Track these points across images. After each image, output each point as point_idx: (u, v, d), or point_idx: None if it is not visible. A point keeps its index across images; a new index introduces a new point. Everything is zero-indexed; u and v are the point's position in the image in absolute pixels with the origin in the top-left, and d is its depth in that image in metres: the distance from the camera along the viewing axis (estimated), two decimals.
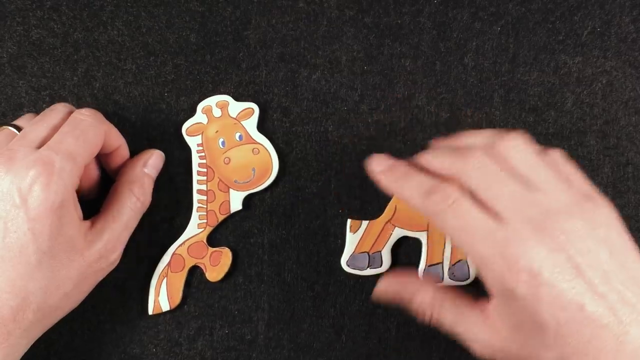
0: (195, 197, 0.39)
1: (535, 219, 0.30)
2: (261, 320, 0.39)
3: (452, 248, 0.38)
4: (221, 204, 0.39)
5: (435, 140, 0.36)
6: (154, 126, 0.40)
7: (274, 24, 0.41)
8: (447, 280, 0.38)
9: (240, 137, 0.39)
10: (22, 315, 0.31)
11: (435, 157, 0.33)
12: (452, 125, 0.40)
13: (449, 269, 0.38)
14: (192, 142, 0.39)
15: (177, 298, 0.38)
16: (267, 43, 0.40)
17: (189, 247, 0.39)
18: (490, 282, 0.31)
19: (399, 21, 0.41)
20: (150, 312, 0.38)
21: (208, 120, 0.39)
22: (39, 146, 0.33)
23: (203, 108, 0.39)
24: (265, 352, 0.39)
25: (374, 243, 0.38)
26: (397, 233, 0.38)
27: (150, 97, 0.40)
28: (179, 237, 0.39)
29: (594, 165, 0.40)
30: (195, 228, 0.39)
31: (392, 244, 0.38)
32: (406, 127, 0.40)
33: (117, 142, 0.37)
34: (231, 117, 0.39)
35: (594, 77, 0.40)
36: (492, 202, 0.31)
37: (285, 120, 0.40)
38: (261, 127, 0.40)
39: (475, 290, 0.39)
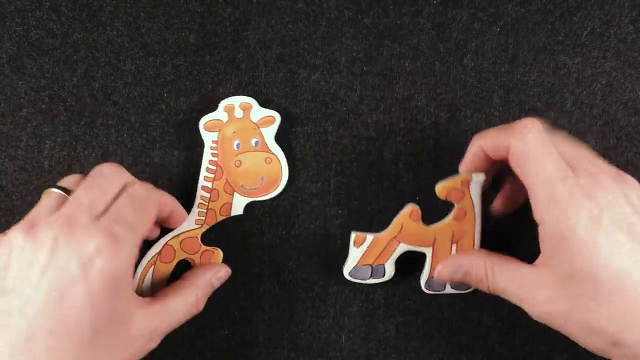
0: (199, 192, 0.39)
1: (600, 175, 0.31)
2: (261, 320, 0.39)
3: None
4: (223, 205, 0.39)
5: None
6: (154, 127, 0.40)
7: (273, 25, 0.41)
8: (449, 289, 0.38)
9: (256, 143, 0.39)
10: None
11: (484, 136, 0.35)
12: (451, 126, 0.40)
13: None
14: (208, 137, 0.39)
15: (161, 288, 0.37)
16: (267, 43, 0.40)
17: (182, 240, 0.38)
18: (548, 225, 0.31)
19: (399, 22, 0.41)
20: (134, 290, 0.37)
21: (228, 119, 0.39)
22: (98, 215, 0.31)
23: (225, 106, 0.39)
24: (265, 352, 0.39)
25: (378, 257, 0.38)
26: (402, 248, 0.38)
27: (150, 97, 0.40)
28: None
29: None
30: (192, 223, 0.39)
31: (396, 257, 0.38)
32: (406, 127, 0.40)
33: (170, 207, 0.36)
34: (252, 121, 0.39)
35: (593, 77, 0.40)
36: (564, 152, 0.32)
37: (285, 121, 0.40)
38: (278, 138, 0.39)
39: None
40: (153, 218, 0.34)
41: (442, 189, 0.37)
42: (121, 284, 0.30)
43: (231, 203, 0.39)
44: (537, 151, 0.31)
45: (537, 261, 0.32)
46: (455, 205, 0.37)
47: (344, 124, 0.40)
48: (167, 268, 0.38)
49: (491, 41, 0.40)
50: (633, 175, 0.40)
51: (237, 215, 0.39)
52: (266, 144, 0.39)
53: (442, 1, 0.41)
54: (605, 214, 0.30)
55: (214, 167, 0.39)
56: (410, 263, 0.39)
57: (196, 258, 0.38)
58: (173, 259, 0.38)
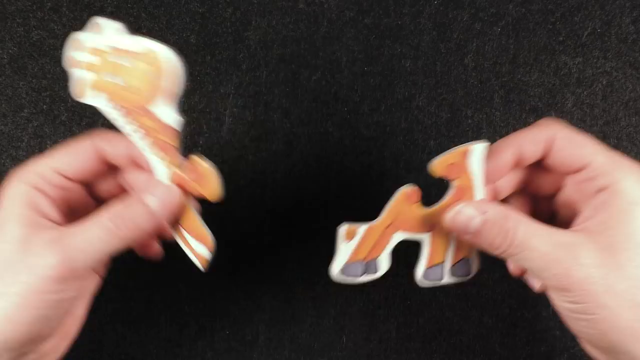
0: (135, 138, 0.32)
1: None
2: (262, 320, 0.39)
3: (455, 247, 0.34)
4: (162, 128, 0.32)
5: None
6: None
7: (274, 25, 0.41)
8: (447, 279, 0.35)
9: (124, 59, 0.33)
10: None
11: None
12: (452, 126, 0.40)
13: (450, 267, 0.35)
14: (93, 101, 0.32)
15: (208, 238, 0.33)
16: (268, 44, 0.40)
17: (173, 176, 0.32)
18: (615, 187, 0.29)
19: (399, 22, 0.41)
20: (202, 269, 0.33)
21: (87, 70, 0.32)
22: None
23: (71, 62, 0.32)
24: (265, 352, 0.39)
25: (371, 250, 0.34)
26: (398, 237, 0.34)
27: None
28: None
29: None
30: (160, 167, 0.32)
31: (391, 249, 0.34)
32: (406, 127, 0.40)
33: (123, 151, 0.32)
34: (102, 50, 0.33)
35: (594, 77, 0.40)
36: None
37: (286, 121, 0.40)
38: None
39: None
40: (76, 155, 0.32)
41: (439, 165, 0.33)
42: (13, 205, 0.30)
43: (162, 120, 0.32)
44: (579, 132, 0.31)
45: (579, 227, 0.30)
46: (454, 184, 0.33)
47: (345, 124, 0.40)
48: (190, 219, 0.33)
49: (492, 41, 0.40)
50: None
51: (239, 215, 0.39)
52: (132, 51, 0.33)
53: (442, 1, 0.41)
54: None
55: (123, 110, 0.32)
56: (405, 260, 0.38)
57: (195, 186, 0.32)
58: (185, 208, 0.33)
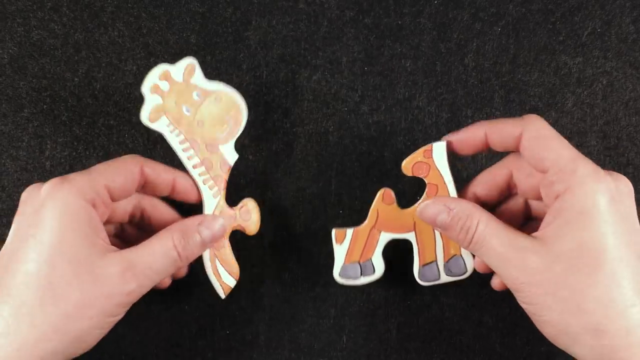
0: (194, 173, 0.37)
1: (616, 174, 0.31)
2: (262, 320, 0.39)
3: (443, 244, 0.37)
4: (220, 165, 0.37)
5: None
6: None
7: (274, 25, 0.41)
8: (444, 277, 0.37)
9: (197, 94, 0.37)
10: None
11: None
12: (452, 126, 0.40)
13: (444, 265, 0.37)
14: (160, 126, 0.37)
15: (236, 268, 0.37)
16: (268, 44, 0.41)
17: None
18: (569, 195, 0.30)
19: (400, 22, 0.41)
20: (223, 296, 0.37)
21: (162, 97, 0.37)
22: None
23: (150, 88, 0.37)
24: (265, 352, 0.39)
25: (363, 251, 0.37)
26: (385, 237, 0.37)
27: None
28: None
29: None
30: (212, 199, 0.37)
31: (381, 249, 0.37)
32: (407, 127, 0.40)
33: (164, 176, 0.35)
34: (179, 82, 0.37)
35: (594, 77, 0.40)
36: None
37: (286, 121, 0.40)
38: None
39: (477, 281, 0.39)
40: (125, 175, 0.33)
41: (406, 165, 0.36)
42: (74, 221, 0.30)
43: (223, 156, 0.37)
44: (554, 134, 0.32)
45: (537, 233, 0.31)
46: (426, 181, 0.36)
47: (345, 124, 0.40)
48: (226, 251, 0.37)
49: (492, 41, 0.40)
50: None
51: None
52: (205, 89, 0.37)
53: (443, 1, 0.41)
54: (624, 197, 0.30)
55: (187, 144, 0.37)
56: (402, 262, 0.38)
57: (240, 222, 0.37)
58: (224, 244, 0.37)
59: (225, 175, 0.37)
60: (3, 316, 0.29)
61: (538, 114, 0.40)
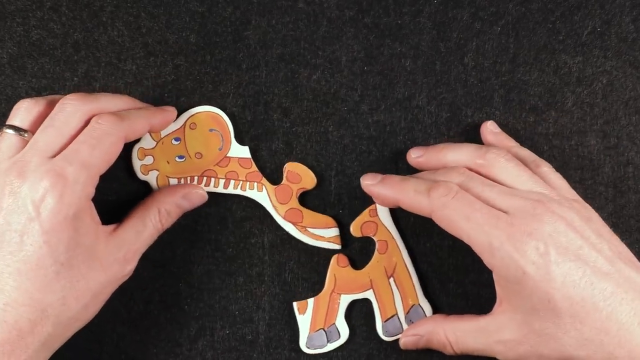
0: (230, 190, 0.39)
1: (533, 207, 0.31)
2: (262, 320, 0.39)
3: (401, 296, 0.38)
4: (241, 165, 0.39)
5: (412, 150, 0.38)
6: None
7: (274, 24, 0.41)
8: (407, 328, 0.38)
9: (176, 139, 0.39)
10: (40, 328, 0.31)
11: (421, 174, 0.36)
12: (452, 126, 0.40)
13: (405, 317, 0.38)
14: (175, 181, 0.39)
15: (328, 219, 0.39)
16: (267, 43, 0.40)
17: (278, 200, 0.39)
18: (498, 270, 0.32)
19: (399, 21, 0.41)
20: (339, 246, 0.39)
21: (154, 168, 0.39)
22: (54, 155, 0.32)
23: (140, 170, 0.39)
24: (266, 352, 0.39)
25: (326, 317, 0.38)
26: (345, 300, 0.38)
27: (151, 97, 0.40)
28: (180, 235, 0.39)
29: (595, 165, 0.40)
30: (262, 195, 0.39)
31: (343, 313, 0.38)
32: (406, 127, 0.40)
33: (145, 127, 0.36)
34: (153, 147, 0.39)
35: (594, 76, 0.40)
36: (488, 199, 0.32)
37: (286, 121, 0.40)
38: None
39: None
40: (113, 155, 0.33)
41: (355, 227, 0.38)
42: (77, 221, 0.31)
43: (238, 157, 0.39)
44: (461, 213, 0.32)
45: (495, 307, 0.34)
46: (375, 240, 0.38)
47: (345, 124, 0.40)
48: (311, 217, 0.39)
49: (492, 40, 0.40)
50: (634, 174, 0.40)
51: (239, 215, 0.39)
52: (175, 130, 0.39)
53: (442, 0, 0.41)
54: (550, 245, 0.30)
55: (204, 179, 0.39)
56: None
57: (296, 188, 0.39)
58: (301, 212, 0.39)
59: (252, 168, 0.39)
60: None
61: (537, 114, 0.40)
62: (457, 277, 0.39)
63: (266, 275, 0.39)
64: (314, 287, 0.39)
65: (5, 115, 0.40)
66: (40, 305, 0.31)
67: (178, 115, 0.39)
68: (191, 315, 0.39)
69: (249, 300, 0.39)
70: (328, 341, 0.38)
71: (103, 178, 0.34)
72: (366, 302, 0.39)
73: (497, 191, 0.33)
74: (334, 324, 0.38)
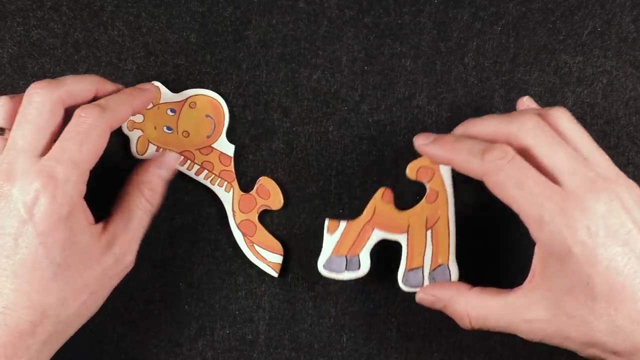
0: (199, 178, 0.39)
1: (592, 182, 0.30)
2: (262, 320, 0.39)
3: (432, 252, 0.37)
4: (220, 160, 0.39)
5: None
6: None
7: (274, 24, 0.41)
8: (428, 283, 0.37)
9: (172, 110, 0.39)
10: (41, 329, 0.31)
11: (481, 124, 0.34)
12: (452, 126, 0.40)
13: (429, 273, 0.37)
14: (151, 154, 0.39)
15: (276, 244, 0.39)
16: (268, 43, 0.40)
17: (239, 209, 0.39)
18: (544, 244, 0.31)
19: (400, 21, 0.41)
20: (276, 275, 0.39)
21: (141, 129, 0.39)
22: (38, 153, 0.32)
23: (127, 126, 0.39)
24: (266, 352, 0.39)
25: (352, 245, 0.37)
26: (377, 235, 0.37)
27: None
28: (180, 235, 0.39)
29: None
30: (226, 195, 0.39)
31: (370, 247, 0.37)
32: (407, 127, 0.40)
33: (128, 113, 0.35)
34: (149, 109, 0.39)
35: (594, 76, 0.40)
36: (547, 163, 0.31)
37: (286, 120, 0.40)
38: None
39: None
40: (100, 148, 0.33)
41: (411, 168, 0.37)
42: (70, 221, 0.31)
43: (220, 151, 0.39)
44: (515, 180, 0.31)
45: (526, 283, 0.33)
46: (427, 187, 0.37)
47: (345, 124, 0.40)
48: (261, 232, 0.39)
49: (492, 40, 0.40)
50: (634, 174, 0.40)
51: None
52: (175, 102, 0.39)
53: (443, 0, 0.41)
54: (601, 227, 0.30)
55: (181, 157, 0.39)
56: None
57: (262, 203, 0.39)
58: (255, 225, 0.39)
59: (229, 167, 0.39)
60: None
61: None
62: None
63: (266, 275, 0.39)
64: (314, 287, 0.39)
65: None
66: (39, 306, 0.31)
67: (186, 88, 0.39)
68: (191, 315, 0.39)
69: (249, 300, 0.39)
70: (346, 269, 0.36)
71: (94, 175, 0.33)
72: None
73: (559, 157, 0.31)
74: (358, 255, 0.37)
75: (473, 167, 0.32)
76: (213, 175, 0.39)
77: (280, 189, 0.39)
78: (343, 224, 0.37)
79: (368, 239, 0.37)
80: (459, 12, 0.41)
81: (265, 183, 0.39)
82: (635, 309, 0.29)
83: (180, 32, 0.41)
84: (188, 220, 0.39)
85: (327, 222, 0.37)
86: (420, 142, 0.35)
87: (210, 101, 0.39)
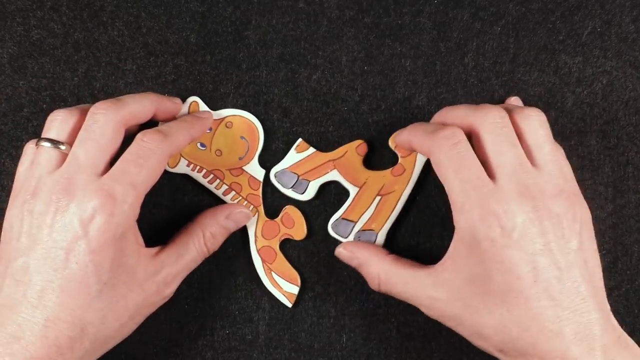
0: (226, 199, 0.39)
1: (526, 188, 0.31)
2: (262, 320, 0.39)
3: (371, 215, 0.38)
4: (249, 184, 0.39)
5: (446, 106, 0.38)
6: (155, 126, 0.40)
7: (274, 24, 0.41)
8: (350, 239, 0.38)
9: (209, 128, 0.39)
10: (79, 345, 0.31)
11: (452, 111, 0.35)
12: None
13: (358, 231, 0.38)
14: (182, 168, 0.39)
15: (295, 274, 0.39)
16: (268, 43, 0.40)
17: (262, 234, 0.39)
18: (459, 230, 0.32)
19: (399, 21, 0.41)
20: (290, 305, 0.39)
21: None
22: (98, 171, 0.32)
23: None
24: (266, 352, 0.39)
25: (309, 171, 0.39)
26: (333, 175, 0.39)
27: None
28: None
29: (595, 165, 0.40)
30: (251, 217, 0.39)
31: (322, 181, 0.39)
32: None
33: (187, 141, 0.36)
34: None
35: (594, 77, 0.40)
36: (492, 158, 0.32)
37: (286, 121, 0.40)
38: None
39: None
40: (159, 170, 0.33)
41: (393, 138, 0.39)
42: (123, 242, 0.32)
43: (250, 175, 0.39)
44: (453, 162, 0.32)
45: (438, 264, 0.34)
46: (399, 160, 0.39)
47: (345, 124, 0.40)
48: (280, 261, 0.39)
49: (492, 40, 0.40)
50: (634, 174, 0.40)
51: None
52: (213, 119, 0.39)
53: (442, 1, 0.41)
54: (516, 231, 0.30)
55: (211, 176, 0.39)
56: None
57: (285, 231, 0.39)
58: (275, 252, 0.39)
59: (257, 192, 0.39)
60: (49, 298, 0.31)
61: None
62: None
63: None
64: (314, 287, 0.39)
65: (6, 114, 0.40)
66: (80, 322, 0.31)
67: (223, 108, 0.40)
68: (191, 315, 0.39)
69: (249, 300, 0.39)
70: (293, 187, 0.39)
71: (148, 201, 0.34)
72: None
73: (510, 155, 0.32)
74: (309, 181, 0.39)
75: (424, 144, 0.34)
76: (240, 197, 0.39)
77: (277, 193, 0.39)
78: (311, 150, 0.39)
79: (325, 173, 0.39)
80: (459, 12, 0.41)
81: (291, 212, 0.39)
82: (525, 315, 0.30)
83: (180, 32, 0.41)
84: (188, 221, 0.39)
85: (299, 141, 0.39)
86: (395, 133, 0.38)
87: (247, 123, 0.39)
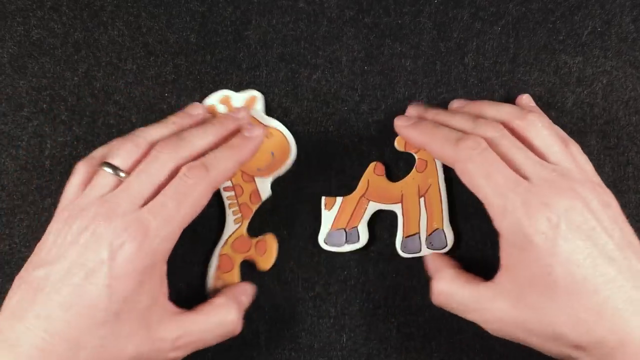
0: (224, 194, 0.39)
1: (556, 180, 0.31)
2: (262, 319, 0.39)
3: (427, 218, 0.38)
4: (251, 195, 0.38)
5: (455, 101, 0.38)
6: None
7: (274, 24, 0.41)
8: (425, 250, 0.38)
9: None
10: None
11: (456, 119, 0.35)
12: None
13: (426, 238, 0.38)
14: None
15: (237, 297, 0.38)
16: (268, 43, 0.41)
17: (232, 244, 0.38)
18: (506, 234, 0.31)
19: (400, 21, 0.41)
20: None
21: None
22: (142, 203, 0.32)
23: (207, 108, 0.39)
24: (266, 352, 0.39)
25: (350, 219, 0.38)
26: (372, 207, 0.39)
27: (151, 97, 0.40)
28: (181, 235, 0.39)
29: (595, 165, 0.40)
30: (232, 224, 0.38)
31: (367, 219, 0.38)
32: None
33: (233, 170, 0.35)
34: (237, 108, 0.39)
35: (594, 77, 0.40)
36: (515, 161, 0.32)
37: (286, 120, 0.40)
38: (269, 112, 0.40)
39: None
40: (200, 205, 0.33)
41: (399, 140, 0.39)
42: (144, 276, 0.31)
43: (257, 189, 0.39)
44: (483, 169, 0.32)
45: (496, 276, 0.33)
46: (416, 157, 0.39)
47: (345, 124, 0.40)
48: (232, 276, 0.38)
49: (492, 40, 0.40)
50: (634, 174, 0.40)
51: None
52: (260, 122, 0.38)
53: (443, 1, 0.41)
54: (563, 220, 0.30)
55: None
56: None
57: (252, 253, 0.38)
58: (232, 265, 0.38)
59: (253, 206, 0.39)
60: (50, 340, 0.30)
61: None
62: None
63: (266, 275, 0.39)
64: (314, 287, 0.39)
65: (6, 114, 0.40)
66: (76, 344, 0.30)
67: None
68: None
69: None
70: (346, 242, 0.38)
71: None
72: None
73: (524, 156, 0.32)
74: (356, 227, 0.38)
75: (446, 153, 0.33)
76: (235, 201, 0.39)
77: (280, 189, 0.39)
78: (339, 199, 0.39)
79: (364, 211, 0.39)
80: (459, 12, 0.41)
81: (269, 241, 0.39)
82: (596, 301, 0.30)
83: (180, 32, 0.41)
84: (196, 225, 0.39)
85: (323, 199, 0.39)
86: (400, 123, 0.37)
87: (284, 143, 0.39)
